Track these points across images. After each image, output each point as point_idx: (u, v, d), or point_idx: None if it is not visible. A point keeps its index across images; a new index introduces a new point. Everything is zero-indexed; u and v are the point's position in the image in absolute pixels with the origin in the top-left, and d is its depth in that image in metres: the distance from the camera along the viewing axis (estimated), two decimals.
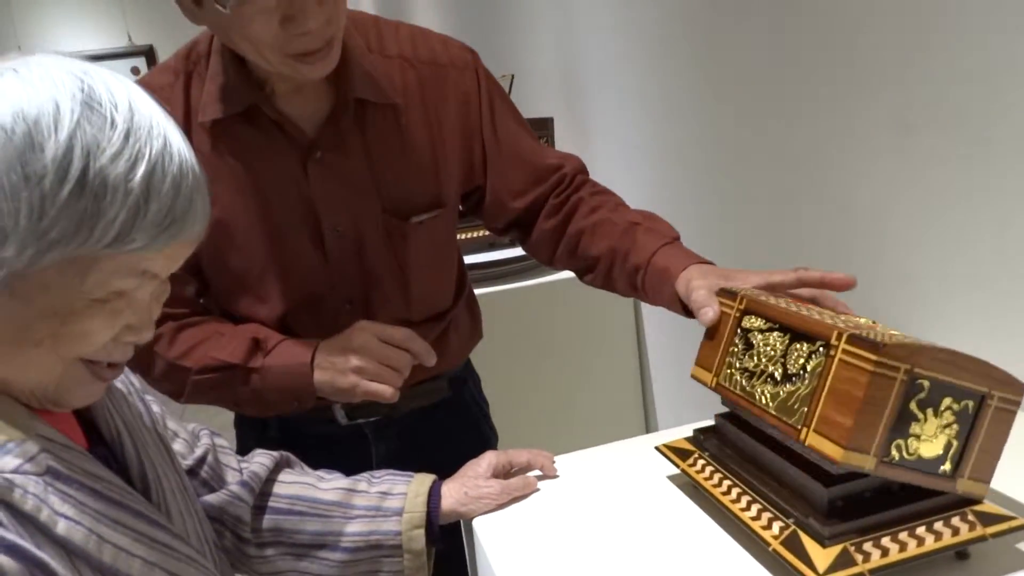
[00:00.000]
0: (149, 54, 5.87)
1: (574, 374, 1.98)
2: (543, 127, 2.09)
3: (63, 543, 0.59)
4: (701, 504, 0.84)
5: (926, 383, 0.64)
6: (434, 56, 1.06)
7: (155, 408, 0.85)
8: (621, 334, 2.03)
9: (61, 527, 0.59)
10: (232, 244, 1.02)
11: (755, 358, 0.77)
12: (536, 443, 1.06)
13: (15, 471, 0.58)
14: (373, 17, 1.07)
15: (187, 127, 0.99)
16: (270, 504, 0.90)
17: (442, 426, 1.18)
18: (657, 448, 0.90)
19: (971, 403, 0.66)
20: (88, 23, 5.54)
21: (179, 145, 0.61)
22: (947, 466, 0.67)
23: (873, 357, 0.63)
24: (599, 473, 0.94)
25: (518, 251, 2.02)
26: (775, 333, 0.76)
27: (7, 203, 0.54)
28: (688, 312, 0.94)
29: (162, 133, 0.59)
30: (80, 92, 0.57)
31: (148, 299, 0.65)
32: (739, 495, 0.77)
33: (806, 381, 0.69)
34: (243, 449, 1.18)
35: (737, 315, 0.82)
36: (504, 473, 0.93)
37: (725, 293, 0.86)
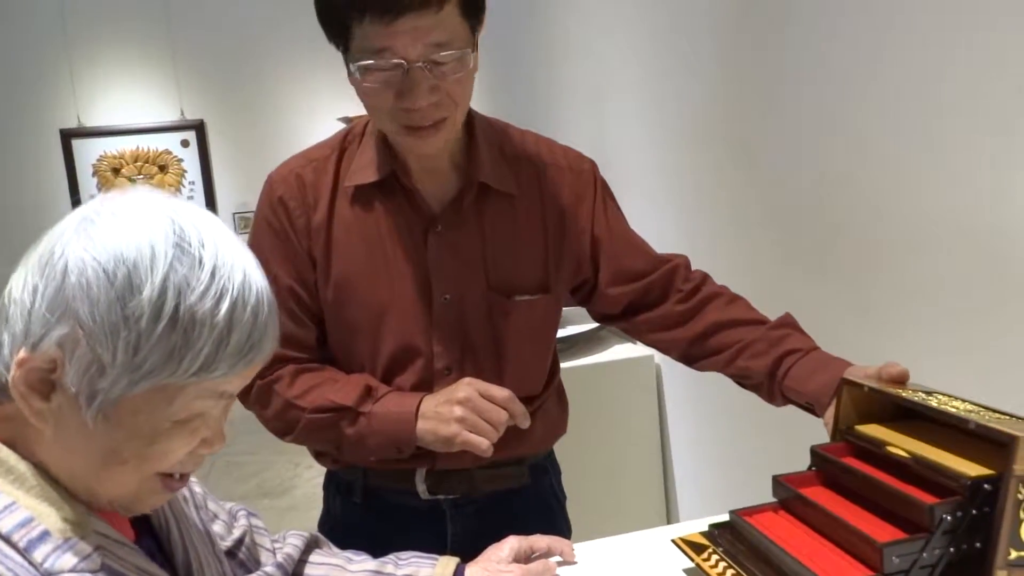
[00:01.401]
0: (199, 128, 6.13)
1: (598, 462, 2.01)
2: None
3: None
4: None
5: None
6: (555, 160, 1.18)
7: (197, 489, 0.89)
8: (645, 425, 2.06)
9: None
10: (352, 297, 1.12)
11: (934, 398, 0.83)
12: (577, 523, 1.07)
13: (73, 570, 0.62)
14: (505, 123, 1.21)
15: (334, 191, 1.12)
16: None
17: (518, 513, 1.21)
18: (673, 541, 0.93)
19: None
20: (145, 97, 5.81)
21: (255, 276, 0.65)
22: None
23: None
24: (617, 562, 0.97)
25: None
26: (965, 403, 0.82)
27: (107, 340, 0.59)
28: (813, 409, 1.02)
29: (242, 267, 0.64)
30: (172, 234, 0.62)
31: (219, 414, 0.69)
32: None
33: (988, 413, 0.76)
34: (329, 510, 1.25)
35: (924, 391, 0.88)
36: (525, 558, 0.96)
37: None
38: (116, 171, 5.63)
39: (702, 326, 1.16)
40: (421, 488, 1.17)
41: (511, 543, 0.96)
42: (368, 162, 1.11)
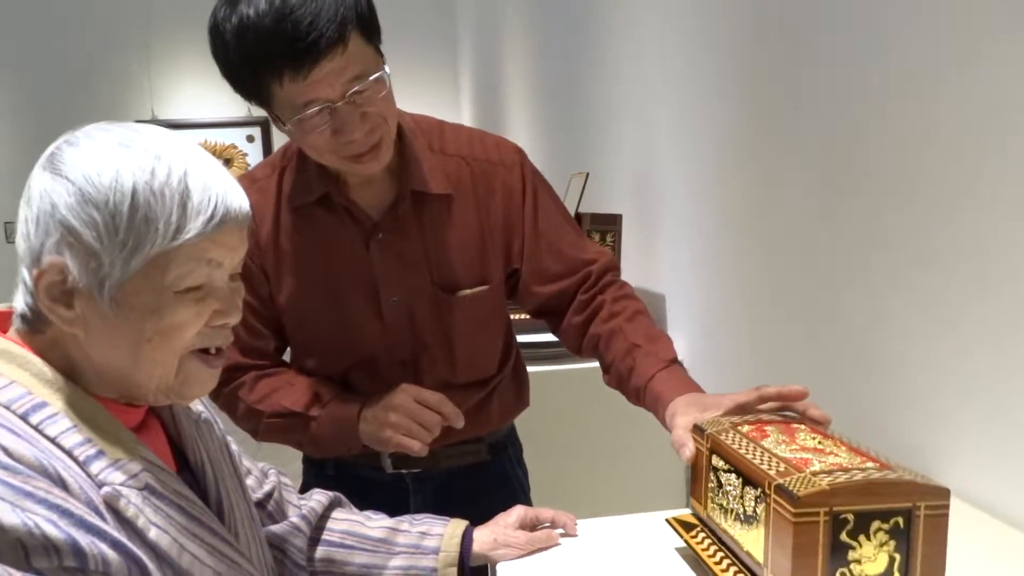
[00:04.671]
0: (264, 124, 6.36)
1: (610, 449, 2.09)
2: (611, 223, 2.25)
3: (153, 546, 0.73)
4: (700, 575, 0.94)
5: (850, 516, 0.73)
6: (487, 155, 1.24)
7: (233, 447, 1.00)
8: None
9: (152, 533, 0.73)
10: (308, 309, 1.22)
11: (725, 496, 0.88)
12: (567, 507, 1.17)
13: (122, 484, 0.73)
14: (439, 122, 1.27)
15: (277, 209, 1.21)
16: (324, 537, 1.04)
17: (477, 487, 1.31)
18: (667, 520, 1.01)
19: (900, 519, 0.74)
20: (215, 94, 6.07)
21: (203, 154, 0.77)
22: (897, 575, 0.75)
23: (792, 509, 0.72)
24: (617, 538, 1.05)
25: None
26: (732, 475, 0.86)
27: (89, 230, 0.71)
28: None
29: (187, 148, 0.76)
30: (119, 140, 0.74)
31: (225, 287, 0.79)
32: (728, 566, 0.87)
33: (758, 525, 0.80)
34: (305, 483, 1.36)
35: (707, 453, 0.92)
36: (531, 526, 1.05)
37: (696, 430, 0.95)
38: None
39: (592, 342, 1.23)
40: (386, 463, 1.28)
41: (518, 511, 1.05)
42: (304, 182, 1.19)
